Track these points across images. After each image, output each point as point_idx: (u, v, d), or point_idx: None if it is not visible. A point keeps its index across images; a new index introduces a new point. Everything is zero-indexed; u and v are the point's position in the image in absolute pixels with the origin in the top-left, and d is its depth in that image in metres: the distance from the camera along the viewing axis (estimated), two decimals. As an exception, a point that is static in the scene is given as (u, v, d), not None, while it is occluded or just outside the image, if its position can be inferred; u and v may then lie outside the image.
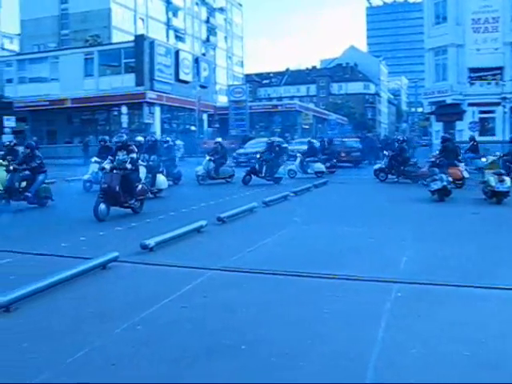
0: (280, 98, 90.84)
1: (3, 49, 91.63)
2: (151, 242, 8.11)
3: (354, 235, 9.61)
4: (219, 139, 22.31)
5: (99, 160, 16.83)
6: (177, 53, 46.19)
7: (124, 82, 41.23)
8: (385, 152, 22.48)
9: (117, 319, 5.11)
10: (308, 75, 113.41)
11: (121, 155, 12.12)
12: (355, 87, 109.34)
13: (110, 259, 7.16)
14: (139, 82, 40.99)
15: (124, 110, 37.76)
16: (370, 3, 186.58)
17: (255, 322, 5.10)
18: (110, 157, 12.32)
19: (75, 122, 43.90)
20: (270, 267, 7.02)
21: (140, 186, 12.53)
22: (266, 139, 26.53)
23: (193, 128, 44.86)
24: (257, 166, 20.33)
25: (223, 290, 6.17)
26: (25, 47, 64.30)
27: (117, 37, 59.08)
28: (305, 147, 34.39)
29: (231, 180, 21.24)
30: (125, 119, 37.77)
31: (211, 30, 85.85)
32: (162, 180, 16.41)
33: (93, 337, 4.69)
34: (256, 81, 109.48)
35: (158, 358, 4.27)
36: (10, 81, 46.10)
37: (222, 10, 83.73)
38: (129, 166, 11.88)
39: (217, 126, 52.47)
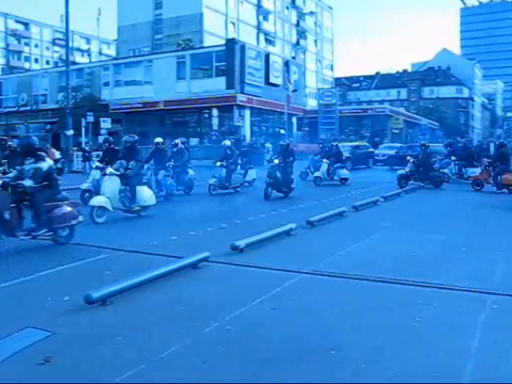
0: (370, 102, 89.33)
1: (101, 53, 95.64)
2: (241, 243, 8.14)
3: (446, 243, 9.28)
4: (227, 142, 19.65)
5: (101, 165, 14.83)
6: (267, 56, 46.28)
7: (215, 85, 41.67)
8: (485, 160, 20.90)
9: (207, 318, 5.17)
10: (398, 79, 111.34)
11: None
12: (447, 91, 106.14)
13: (201, 259, 7.25)
14: (230, 85, 41.30)
15: (215, 112, 38.17)
16: (464, 3, 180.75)
17: (345, 326, 5.00)
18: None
19: (167, 123, 44.86)
20: (360, 272, 6.89)
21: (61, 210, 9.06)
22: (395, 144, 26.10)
23: (282, 131, 44.71)
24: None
25: (313, 293, 6.13)
26: (121, 52, 66.65)
27: (208, 41, 60.01)
28: (391, 152, 33.59)
29: (240, 189, 19.11)
30: (215, 122, 38.18)
31: (301, 34, 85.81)
32: (146, 195, 12.89)
33: (184, 334, 4.77)
34: (346, 84, 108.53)
35: (249, 358, 4.28)
36: (106, 84, 47.70)
37: (311, 13, 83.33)
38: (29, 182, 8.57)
39: (306, 129, 52.19)
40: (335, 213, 11.86)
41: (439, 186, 19.71)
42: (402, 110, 79.45)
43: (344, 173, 22.24)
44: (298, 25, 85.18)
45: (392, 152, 33.34)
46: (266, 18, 77.10)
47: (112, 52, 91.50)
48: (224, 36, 61.63)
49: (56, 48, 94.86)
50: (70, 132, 33.39)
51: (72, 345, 4.55)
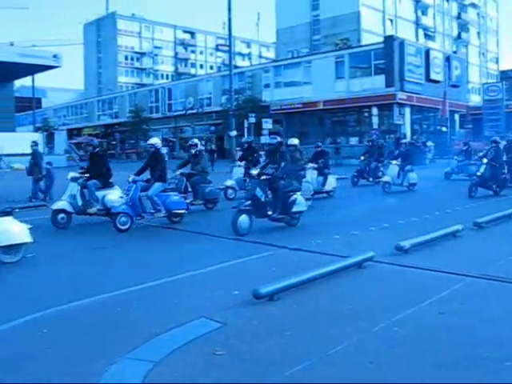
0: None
1: (261, 56, 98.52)
2: (406, 243, 8.00)
3: None
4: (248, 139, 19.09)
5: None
6: (427, 52, 44.87)
7: (374, 84, 41.19)
8: None
9: (373, 318, 5.12)
10: None
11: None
12: None
13: (366, 258, 7.21)
14: (389, 83, 40.61)
15: (374, 111, 37.75)
16: None
17: None
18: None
19: (326, 123, 45.10)
20: None
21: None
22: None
23: (444, 129, 43.13)
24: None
25: (483, 298, 5.84)
26: (280, 54, 68.09)
27: (366, 39, 59.48)
28: None
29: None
30: (375, 120, 37.76)
31: (463, 26, 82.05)
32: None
33: (350, 333, 4.75)
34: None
35: (417, 361, 4.18)
36: (267, 86, 48.96)
37: (474, 5, 79.34)
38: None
39: (470, 126, 49.86)
40: (504, 214, 11.20)
41: None
42: None
43: (413, 177, 19.25)
44: (459, 17, 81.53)
45: None
46: (424, 13, 74.75)
47: (271, 54, 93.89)
48: (382, 33, 60.79)
49: (219, 53, 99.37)
50: (234, 133, 34.83)
51: (242, 337, 4.72)
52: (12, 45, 57.42)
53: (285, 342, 4.62)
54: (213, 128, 53.48)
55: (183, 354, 4.37)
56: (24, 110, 67.23)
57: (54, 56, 46.74)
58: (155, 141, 12.50)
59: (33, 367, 4.23)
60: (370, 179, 21.42)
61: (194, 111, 54.68)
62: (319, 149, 18.13)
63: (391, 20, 69.10)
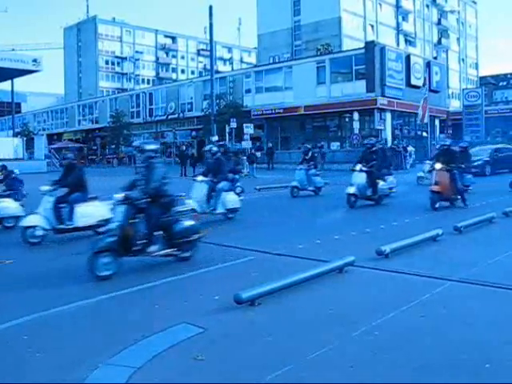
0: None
1: (242, 62, 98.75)
2: (387, 248, 8.04)
3: None
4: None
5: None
6: (408, 57, 45.23)
7: (355, 89, 41.43)
8: None
9: (354, 322, 5.16)
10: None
11: None
12: None
13: (347, 263, 7.24)
14: (370, 89, 40.86)
15: (355, 116, 37.93)
16: None
17: (499, 339, 4.73)
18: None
19: (308, 128, 45.25)
20: None
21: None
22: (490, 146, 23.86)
23: (424, 134, 43.48)
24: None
25: (463, 302, 5.92)
26: (261, 59, 68.25)
27: (347, 44, 59.89)
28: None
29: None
30: (356, 125, 37.93)
31: (443, 32, 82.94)
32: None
33: (331, 337, 4.79)
34: (492, 83, 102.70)
35: (398, 365, 4.21)
36: (248, 91, 49.00)
37: (453, 11, 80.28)
38: None
39: (449, 131, 50.29)
40: (484, 219, 11.28)
41: None
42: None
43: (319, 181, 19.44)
44: (439, 23, 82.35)
45: None
46: (405, 19, 75.44)
47: (253, 60, 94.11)
48: (363, 39, 61.18)
49: (200, 58, 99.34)
50: (215, 138, 34.79)
51: (223, 342, 4.74)
52: (-9, 49, 56.86)
53: (266, 346, 4.65)
54: (194, 133, 53.37)
55: (164, 359, 4.38)
56: (3, 114, 66.63)
57: (34, 60, 46.24)
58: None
59: (13, 374, 4.21)
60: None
61: (176, 116, 54.59)
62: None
63: (372, 26, 69.63)
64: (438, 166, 14.35)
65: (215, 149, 13.58)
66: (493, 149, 30.33)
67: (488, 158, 27.94)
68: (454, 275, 6.87)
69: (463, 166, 16.54)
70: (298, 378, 4.01)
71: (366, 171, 15.47)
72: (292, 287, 6.20)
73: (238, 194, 15.19)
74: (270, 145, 41.63)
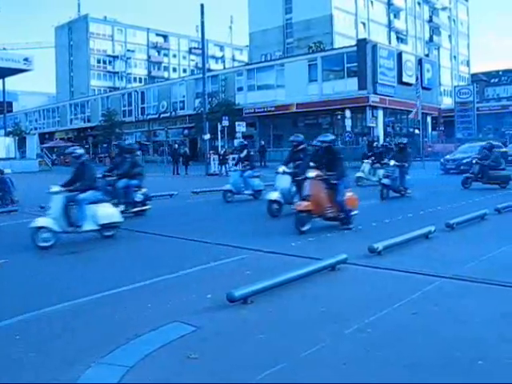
0: (510, 98, 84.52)
1: (234, 60, 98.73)
2: (379, 245, 8.05)
3: None
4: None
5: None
6: (399, 55, 45.36)
7: (347, 86, 41.52)
8: None
9: (347, 320, 5.14)
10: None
11: None
12: None
13: (339, 261, 7.23)
14: (362, 86, 40.94)
15: (347, 113, 37.98)
16: None
17: (492, 335, 4.74)
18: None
19: (300, 126, 45.25)
20: (505, 278, 6.52)
21: None
22: (480, 143, 23.54)
23: (417, 131, 43.62)
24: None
25: (455, 299, 5.89)
26: (253, 57, 68.28)
27: (338, 42, 60.02)
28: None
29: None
30: (348, 123, 37.98)
31: (434, 30, 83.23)
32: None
33: (324, 335, 4.77)
34: (483, 80, 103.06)
35: (390, 362, 4.20)
36: (240, 89, 49.01)
37: (445, 8, 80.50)
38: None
39: (441, 128, 50.51)
40: (476, 215, 11.27)
41: None
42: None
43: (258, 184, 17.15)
44: (430, 21, 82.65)
45: None
46: (396, 16, 75.67)
47: (244, 58, 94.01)
48: (354, 36, 61.29)
49: (192, 57, 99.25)
50: (207, 136, 34.77)
51: (216, 340, 4.72)
52: (-18, 48, 56.54)
53: (259, 344, 4.64)
54: (186, 131, 53.34)
55: (157, 358, 4.36)
56: (-6, 114, 66.14)
57: (25, 59, 46.08)
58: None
59: (6, 373, 4.19)
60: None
61: (168, 115, 54.52)
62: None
63: (364, 23, 69.80)
64: (312, 173, 10.56)
65: (79, 151, 10.81)
66: (481, 146, 30.21)
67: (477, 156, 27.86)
68: (446, 272, 6.87)
69: (406, 164, 16.57)
70: (291, 376, 4.00)
71: (290, 173, 13.25)
72: (285, 285, 6.19)
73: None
74: (262, 143, 41.64)
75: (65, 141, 65.78)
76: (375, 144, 24.62)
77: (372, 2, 71.34)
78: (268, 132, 46.60)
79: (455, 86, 63.14)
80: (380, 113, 42.15)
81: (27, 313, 5.59)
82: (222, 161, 33.07)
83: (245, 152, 17.41)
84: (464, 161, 24.80)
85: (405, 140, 18.59)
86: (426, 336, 4.76)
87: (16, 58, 46.72)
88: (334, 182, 10.50)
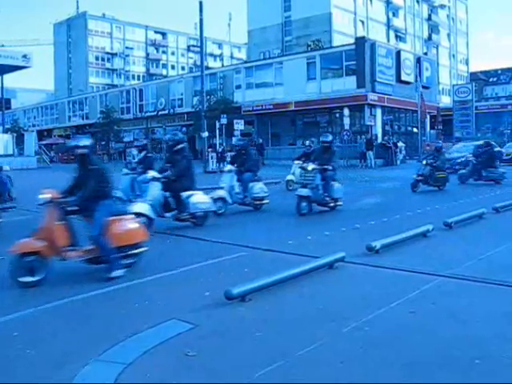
0: (509, 97, 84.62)
1: (232, 57, 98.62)
2: (377, 244, 8.08)
3: None
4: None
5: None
6: (398, 53, 45.24)
7: (345, 85, 41.41)
8: None
9: (344, 318, 5.15)
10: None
11: None
12: None
13: (337, 259, 7.26)
14: (360, 84, 40.84)
15: (346, 112, 37.91)
16: None
17: (490, 334, 4.74)
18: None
19: (298, 124, 45.19)
20: (504, 278, 6.54)
21: None
22: (474, 143, 23.38)
23: (415, 130, 43.60)
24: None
25: (453, 298, 5.91)
26: (251, 55, 68.21)
27: (337, 40, 59.94)
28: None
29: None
30: (347, 121, 37.93)
31: (433, 28, 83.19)
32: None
33: (321, 333, 4.78)
34: (482, 79, 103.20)
35: (388, 361, 4.21)
36: (238, 87, 48.87)
37: (443, 7, 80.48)
38: None
39: (440, 127, 50.45)
40: (474, 214, 11.31)
41: None
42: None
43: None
44: (429, 19, 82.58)
45: None
46: (395, 14, 75.60)
47: (243, 56, 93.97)
48: (353, 35, 61.20)
49: (190, 54, 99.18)
50: (205, 134, 34.71)
51: (214, 338, 4.74)
52: (-20, 45, 56.47)
53: (256, 342, 4.65)
54: (184, 129, 53.22)
55: (155, 356, 4.37)
56: (-8, 111, 66.01)
57: (24, 56, 46.01)
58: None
59: (4, 370, 4.20)
60: None
61: (166, 112, 54.42)
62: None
63: (362, 21, 69.74)
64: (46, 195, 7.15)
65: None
66: (476, 145, 30.16)
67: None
68: (443, 271, 6.89)
69: (330, 167, 13.25)
70: (288, 374, 4.01)
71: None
72: (282, 283, 6.21)
73: None
74: (261, 141, 41.61)
75: (63, 138, 65.65)
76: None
77: (371, 0, 71.31)
78: (266, 130, 46.48)
79: (454, 85, 63.04)
80: (378, 111, 42.05)
81: (26, 309, 5.60)
82: (220, 158, 33.26)
83: (143, 154, 15.41)
84: (458, 160, 24.71)
85: (329, 137, 14.29)
86: (424, 335, 4.76)
87: (14, 54, 46.67)
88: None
